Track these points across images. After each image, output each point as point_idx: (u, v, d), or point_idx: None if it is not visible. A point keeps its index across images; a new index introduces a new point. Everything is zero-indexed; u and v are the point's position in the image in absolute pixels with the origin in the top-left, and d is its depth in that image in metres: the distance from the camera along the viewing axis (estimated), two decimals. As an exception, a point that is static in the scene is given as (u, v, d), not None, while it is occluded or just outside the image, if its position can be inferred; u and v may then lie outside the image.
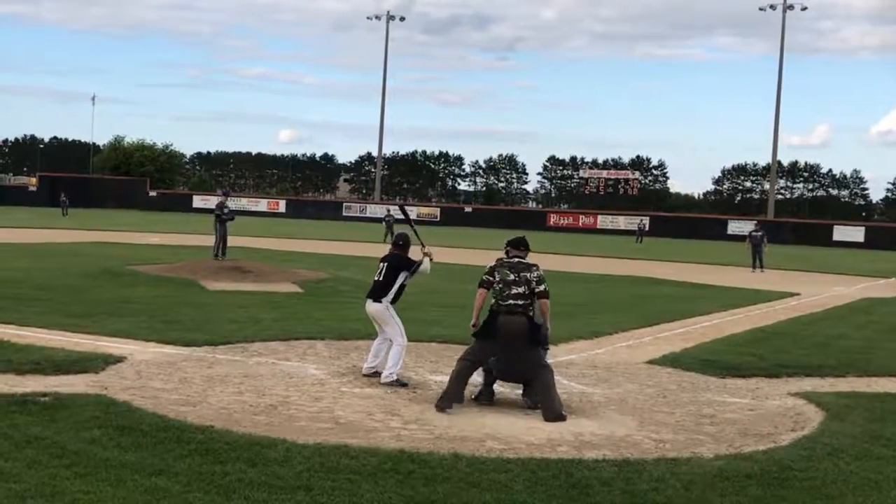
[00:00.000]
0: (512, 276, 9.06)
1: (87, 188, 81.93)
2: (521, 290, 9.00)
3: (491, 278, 9.16)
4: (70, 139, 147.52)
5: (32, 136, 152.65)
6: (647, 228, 66.58)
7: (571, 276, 26.84)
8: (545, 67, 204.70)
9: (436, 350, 12.25)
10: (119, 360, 10.51)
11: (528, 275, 9.07)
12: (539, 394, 9.07)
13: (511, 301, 8.99)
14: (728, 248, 53.88)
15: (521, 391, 9.67)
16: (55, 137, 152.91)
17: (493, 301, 9.16)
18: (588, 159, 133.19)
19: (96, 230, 41.71)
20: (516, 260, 9.25)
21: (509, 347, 9.10)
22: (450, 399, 8.98)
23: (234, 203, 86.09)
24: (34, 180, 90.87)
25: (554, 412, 8.79)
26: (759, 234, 34.30)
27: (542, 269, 9.31)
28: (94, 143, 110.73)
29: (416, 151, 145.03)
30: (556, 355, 11.77)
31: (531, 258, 9.52)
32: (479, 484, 6.48)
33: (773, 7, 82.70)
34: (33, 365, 9.81)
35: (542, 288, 9.05)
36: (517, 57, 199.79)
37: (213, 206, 23.46)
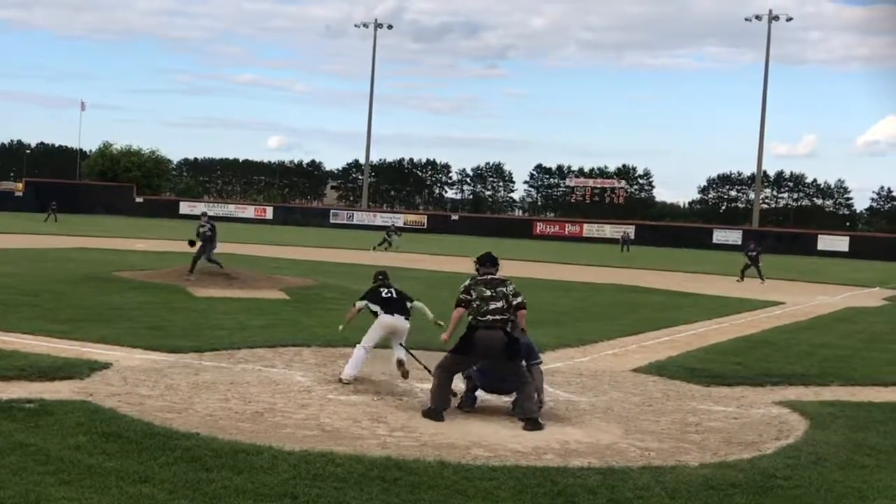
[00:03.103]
0: (489, 293, 9.14)
1: (74, 194, 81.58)
2: (499, 304, 9.10)
3: (468, 297, 9.19)
4: (57, 145, 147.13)
5: (19, 142, 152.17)
6: (632, 238, 66.71)
7: (557, 284, 26.83)
8: (534, 76, 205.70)
9: (422, 356, 12.21)
10: (105, 366, 10.48)
11: (505, 289, 9.19)
12: (519, 402, 9.10)
13: (490, 316, 9.06)
14: (713, 257, 54.06)
15: (507, 399, 9.69)
16: (42, 143, 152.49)
17: (469, 317, 9.19)
18: (575, 168, 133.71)
19: (82, 236, 41.53)
20: (489, 277, 9.33)
21: (489, 362, 9.19)
22: (440, 411, 9.00)
23: (221, 209, 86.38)
24: (20, 186, 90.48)
25: (531, 422, 8.80)
26: (755, 253, 34.66)
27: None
28: (81, 149, 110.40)
29: (404, 159, 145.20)
30: (543, 363, 11.78)
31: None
32: (465, 491, 6.49)
33: (758, 17, 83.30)
34: (18, 371, 9.77)
35: (520, 300, 9.19)
36: (507, 65, 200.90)
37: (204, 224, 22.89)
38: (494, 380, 9.35)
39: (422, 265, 32.33)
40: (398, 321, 10.65)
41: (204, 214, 23.76)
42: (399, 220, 73.91)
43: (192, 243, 22.23)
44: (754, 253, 34.62)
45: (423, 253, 41.68)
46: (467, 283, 9.34)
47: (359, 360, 10.54)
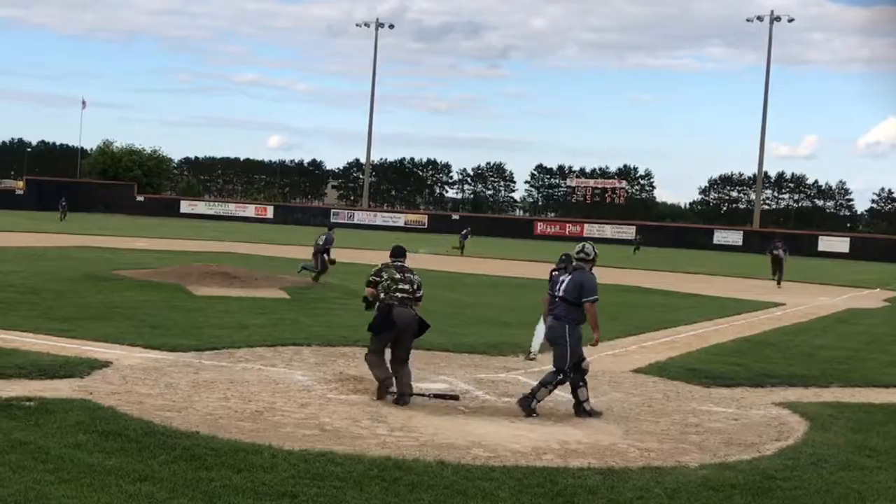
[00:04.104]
0: (398, 276, 10.05)
1: (75, 192, 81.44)
2: (406, 287, 10.01)
3: (378, 278, 10.10)
4: (58, 143, 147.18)
5: (20, 140, 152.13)
6: (640, 240, 66.68)
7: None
8: (535, 76, 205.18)
9: (421, 356, 12.22)
10: (105, 364, 10.48)
11: (412, 276, 10.15)
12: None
13: (400, 294, 9.93)
14: (714, 258, 54.05)
15: (507, 399, 9.70)
16: (43, 141, 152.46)
17: (382, 296, 9.94)
18: (576, 168, 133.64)
19: (83, 234, 41.53)
20: (399, 264, 10.21)
21: (402, 336, 9.88)
22: (388, 384, 9.65)
23: (222, 208, 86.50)
24: (21, 184, 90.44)
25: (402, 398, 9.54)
26: (777, 251, 33.85)
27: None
28: (81, 148, 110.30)
29: (405, 158, 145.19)
30: (543, 363, 11.81)
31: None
32: (465, 491, 6.49)
33: (760, 18, 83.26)
34: (18, 369, 9.77)
35: (422, 292, 10.18)
36: (508, 65, 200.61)
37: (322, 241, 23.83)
38: (403, 351, 9.95)
39: (420, 265, 32.28)
40: None
41: (332, 228, 25.12)
42: (400, 219, 73.92)
43: (333, 262, 23.07)
44: (777, 251, 33.59)
45: (424, 253, 41.61)
46: (378, 266, 10.22)
47: (539, 335, 12.15)
